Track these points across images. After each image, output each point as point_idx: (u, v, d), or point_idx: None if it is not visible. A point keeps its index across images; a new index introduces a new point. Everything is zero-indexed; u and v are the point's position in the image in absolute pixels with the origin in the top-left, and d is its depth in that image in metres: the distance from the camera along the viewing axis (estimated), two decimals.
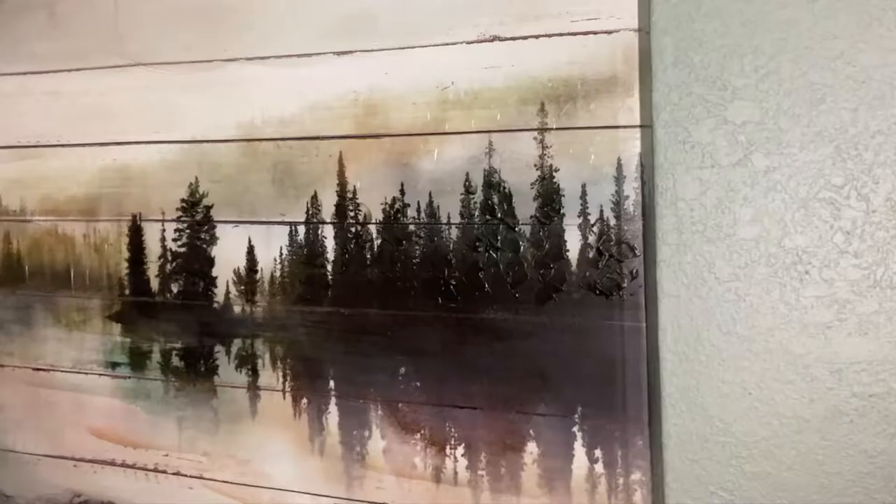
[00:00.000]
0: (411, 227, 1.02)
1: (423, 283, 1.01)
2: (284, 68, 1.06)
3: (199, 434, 1.16)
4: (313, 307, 1.08)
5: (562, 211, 0.95)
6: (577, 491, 0.96)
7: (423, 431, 1.03)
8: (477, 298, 0.99)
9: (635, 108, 0.90)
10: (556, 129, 0.93)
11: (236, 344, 1.13)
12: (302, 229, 1.07)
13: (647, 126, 0.92)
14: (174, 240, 1.15)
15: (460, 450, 1.02)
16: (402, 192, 1.01)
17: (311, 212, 1.07)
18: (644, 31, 0.91)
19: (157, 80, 1.14)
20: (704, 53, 0.92)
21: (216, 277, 1.13)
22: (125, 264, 1.19)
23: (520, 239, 0.97)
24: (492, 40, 0.95)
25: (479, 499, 1.01)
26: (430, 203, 1.00)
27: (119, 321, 1.21)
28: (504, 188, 0.97)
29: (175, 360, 1.17)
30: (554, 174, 0.94)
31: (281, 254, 1.09)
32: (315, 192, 1.06)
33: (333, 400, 1.07)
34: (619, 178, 0.91)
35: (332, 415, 1.07)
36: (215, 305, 1.14)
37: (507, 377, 0.98)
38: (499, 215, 0.97)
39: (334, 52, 1.03)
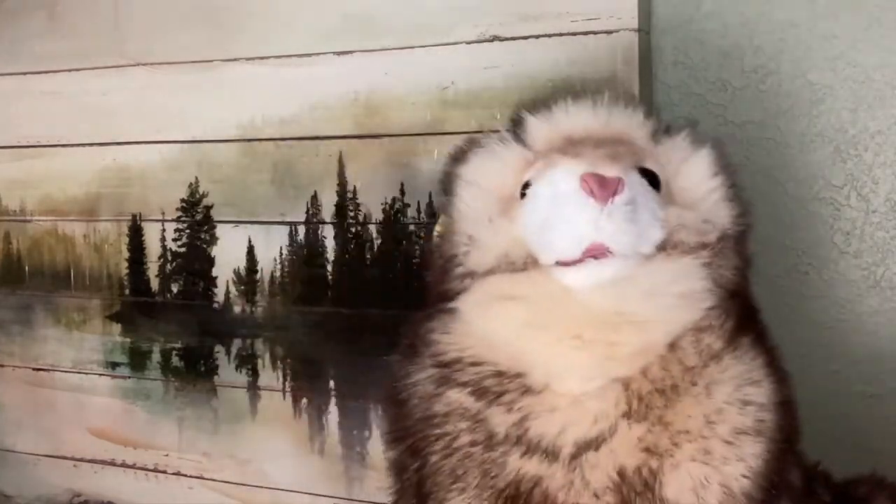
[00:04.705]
0: (411, 227, 1.02)
1: (424, 282, 1.01)
2: (284, 68, 1.06)
3: (199, 434, 1.16)
4: (313, 307, 1.07)
5: None
6: None
7: None
8: None
9: None
10: None
11: (236, 344, 1.13)
12: (302, 229, 1.07)
13: None
14: (174, 240, 1.15)
15: None
16: (402, 192, 1.01)
17: (311, 212, 1.07)
18: (644, 31, 0.91)
19: (157, 80, 1.14)
20: (704, 53, 0.92)
21: (216, 277, 1.13)
22: (125, 264, 1.19)
23: None
24: (492, 40, 0.95)
25: None
26: (430, 203, 1.00)
27: (119, 321, 1.20)
28: None
29: (175, 360, 1.17)
30: None
31: (281, 254, 1.09)
32: (315, 192, 1.06)
33: (333, 400, 1.07)
34: None
35: (332, 415, 1.07)
36: (215, 305, 1.13)
37: None
38: None
39: (334, 52, 1.03)
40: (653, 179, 0.65)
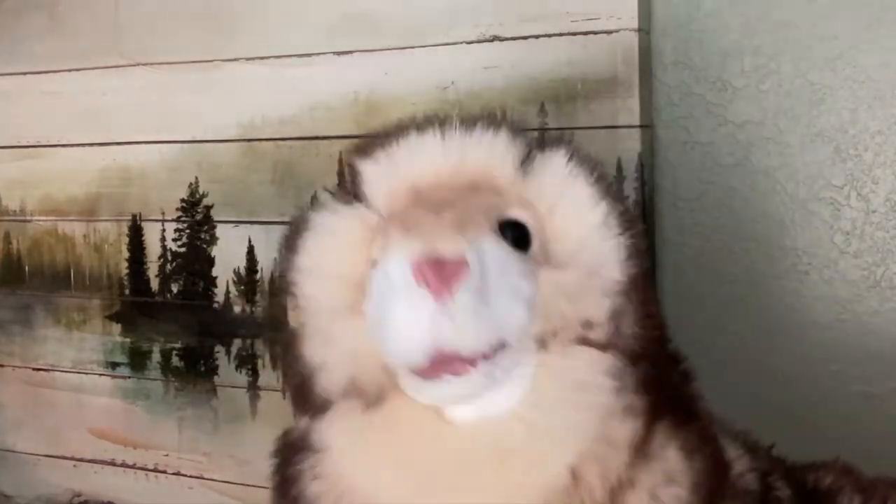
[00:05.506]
0: None
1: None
2: (284, 68, 1.06)
3: (199, 434, 1.16)
4: None
5: None
6: None
7: None
8: None
9: (635, 108, 0.90)
10: (556, 129, 0.93)
11: (236, 344, 1.13)
12: None
13: (647, 126, 0.92)
14: (174, 240, 1.15)
15: None
16: None
17: None
18: (644, 31, 0.91)
19: (157, 80, 1.14)
20: (704, 53, 0.92)
21: (216, 277, 1.13)
22: (125, 264, 1.19)
23: None
24: (492, 40, 0.95)
25: None
26: None
27: (119, 321, 1.20)
28: None
29: (175, 360, 1.17)
30: None
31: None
32: (315, 193, 1.06)
33: None
34: (619, 179, 0.91)
35: None
36: (215, 305, 1.13)
37: None
38: None
39: (334, 52, 1.03)
40: (521, 234, 0.53)
